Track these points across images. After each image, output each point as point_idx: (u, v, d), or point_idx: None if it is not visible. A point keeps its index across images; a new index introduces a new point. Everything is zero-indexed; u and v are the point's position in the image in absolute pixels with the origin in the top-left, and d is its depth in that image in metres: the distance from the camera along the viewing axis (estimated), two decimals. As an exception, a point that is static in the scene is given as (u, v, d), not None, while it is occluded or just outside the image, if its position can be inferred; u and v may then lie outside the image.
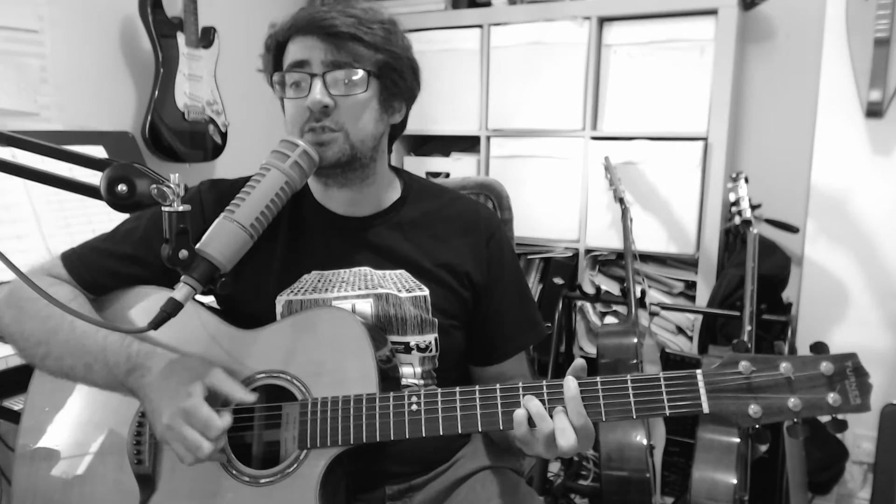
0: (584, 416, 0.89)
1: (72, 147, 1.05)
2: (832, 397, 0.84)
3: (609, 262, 2.74)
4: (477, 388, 0.95)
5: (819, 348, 0.87)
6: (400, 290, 1.10)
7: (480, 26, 2.77)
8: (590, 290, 2.64)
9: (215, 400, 0.96)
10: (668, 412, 0.88)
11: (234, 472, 1.00)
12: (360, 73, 1.03)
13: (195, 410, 0.93)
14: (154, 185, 0.89)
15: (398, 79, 1.07)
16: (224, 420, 0.94)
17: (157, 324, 0.87)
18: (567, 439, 0.87)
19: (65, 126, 2.09)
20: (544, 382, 0.92)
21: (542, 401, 0.90)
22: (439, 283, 1.11)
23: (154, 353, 1.00)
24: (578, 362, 0.93)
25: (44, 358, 1.04)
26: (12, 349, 1.07)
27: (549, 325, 2.40)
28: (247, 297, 1.11)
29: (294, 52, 1.05)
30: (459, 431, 0.94)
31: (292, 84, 1.05)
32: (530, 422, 0.89)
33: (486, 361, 1.18)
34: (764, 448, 1.99)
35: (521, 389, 0.92)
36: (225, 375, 0.98)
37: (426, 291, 1.10)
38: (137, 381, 0.98)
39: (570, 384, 0.90)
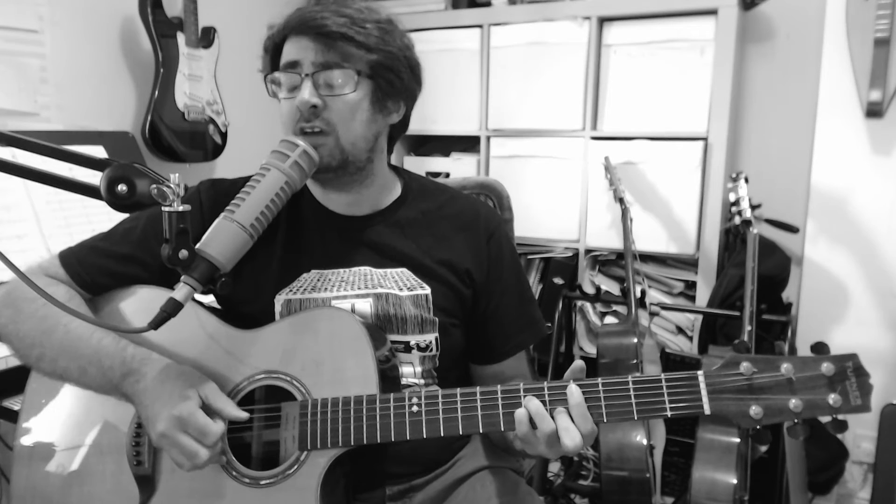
0: (591, 422, 0.89)
1: (72, 147, 1.04)
2: (833, 398, 0.84)
3: (609, 262, 2.74)
4: (478, 389, 0.94)
5: (820, 349, 0.87)
6: (401, 289, 1.10)
7: (480, 26, 2.76)
8: (590, 290, 2.64)
9: (207, 412, 0.96)
10: (669, 413, 0.88)
11: (234, 473, 1.00)
12: (349, 73, 1.02)
13: (191, 418, 0.93)
14: (154, 185, 0.89)
15: (394, 79, 1.07)
16: (219, 425, 0.94)
17: (157, 324, 0.87)
18: (572, 439, 0.88)
19: (65, 126, 2.09)
20: (545, 384, 0.92)
21: (543, 401, 0.90)
22: (440, 282, 1.11)
23: (149, 358, 1.00)
24: (577, 364, 0.93)
25: (39, 359, 1.04)
26: (8, 350, 1.07)
27: (549, 325, 2.40)
28: (246, 296, 1.11)
29: (287, 52, 1.05)
30: (461, 433, 0.94)
31: (286, 85, 1.05)
32: (532, 422, 0.90)
33: (485, 360, 1.18)
34: (764, 448, 1.99)
35: (521, 390, 0.92)
36: (217, 390, 0.99)
37: (427, 290, 1.10)
38: (132, 387, 0.98)
39: (574, 391, 0.90)
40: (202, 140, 2.36)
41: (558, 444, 0.89)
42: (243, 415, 0.98)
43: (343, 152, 1.04)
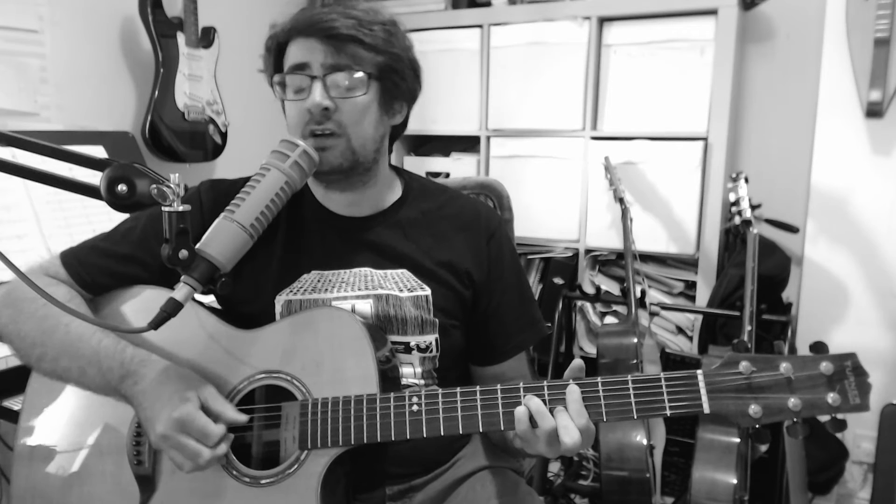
0: (586, 417, 0.89)
1: (72, 147, 1.05)
2: (832, 397, 0.84)
3: (609, 262, 2.74)
4: (478, 388, 0.95)
5: (819, 348, 0.87)
6: (401, 290, 1.10)
7: (480, 26, 2.76)
8: (590, 290, 2.64)
9: (207, 414, 0.96)
10: (668, 412, 0.88)
11: (234, 472, 1.00)
12: (361, 75, 1.03)
13: (191, 419, 0.93)
14: (154, 185, 0.89)
15: (399, 80, 1.07)
16: (220, 427, 0.94)
17: (157, 324, 0.87)
18: (571, 437, 0.88)
19: (65, 126, 2.09)
20: (545, 383, 0.92)
21: (543, 400, 0.90)
22: (440, 283, 1.11)
23: (148, 360, 1.00)
24: (577, 363, 0.93)
25: (39, 359, 1.04)
26: (9, 350, 1.07)
27: (549, 325, 2.40)
28: (246, 297, 1.11)
29: (294, 54, 1.05)
30: (461, 432, 0.94)
31: (293, 86, 1.05)
32: (532, 420, 0.90)
33: (486, 361, 1.18)
34: (764, 448, 1.99)
35: (521, 390, 0.92)
36: (216, 393, 0.99)
37: (428, 291, 1.10)
38: (130, 389, 0.98)
39: (573, 389, 0.90)
40: (202, 140, 2.36)
41: (558, 443, 0.89)
42: (242, 418, 0.98)
43: (354, 153, 1.05)
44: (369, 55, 1.03)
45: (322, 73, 1.02)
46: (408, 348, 1.10)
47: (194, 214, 1.00)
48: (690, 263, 2.60)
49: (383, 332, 1.08)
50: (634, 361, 1.90)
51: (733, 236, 2.49)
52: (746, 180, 2.14)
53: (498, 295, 1.15)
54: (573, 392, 0.90)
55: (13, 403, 1.32)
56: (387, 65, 1.05)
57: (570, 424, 0.88)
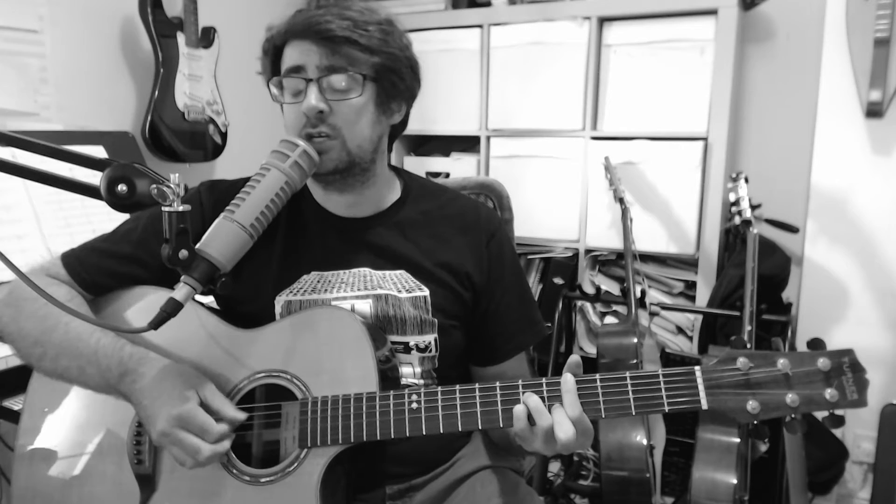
0: (580, 409, 0.89)
1: (72, 147, 1.05)
2: (829, 393, 0.85)
3: (609, 262, 2.74)
4: (477, 385, 0.95)
5: (816, 344, 0.88)
6: (400, 291, 1.10)
7: (480, 26, 2.77)
8: (590, 290, 2.64)
9: (207, 411, 0.96)
10: (667, 409, 0.88)
11: (234, 471, 1.00)
12: (355, 77, 1.02)
13: (191, 415, 0.93)
14: (154, 185, 0.90)
15: (396, 80, 1.07)
16: (222, 426, 0.94)
17: (157, 324, 0.88)
18: (565, 432, 0.88)
19: (65, 126, 2.09)
20: (544, 380, 0.92)
21: (542, 398, 0.91)
22: (439, 284, 1.11)
23: (147, 358, 1.00)
24: (574, 359, 0.93)
25: (40, 358, 1.04)
26: (10, 349, 1.07)
27: (549, 325, 2.40)
28: (246, 297, 1.11)
29: (290, 56, 1.05)
30: (460, 429, 0.94)
31: (290, 89, 1.05)
32: (529, 418, 0.90)
33: (486, 361, 1.18)
34: (764, 447, 1.99)
35: (520, 387, 0.93)
36: (215, 390, 0.99)
37: (426, 292, 1.10)
38: (129, 387, 0.99)
39: (567, 378, 0.90)
40: (202, 140, 2.36)
41: (554, 441, 0.89)
42: (241, 416, 0.98)
43: (350, 155, 1.05)
44: (364, 56, 1.03)
45: (317, 75, 1.02)
46: (407, 348, 1.10)
47: (194, 214, 1.00)
48: (690, 263, 2.60)
49: (383, 332, 1.09)
50: (634, 361, 1.90)
51: (733, 236, 2.49)
52: (746, 180, 2.14)
53: (498, 296, 1.16)
54: (568, 382, 0.90)
55: (13, 403, 1.32)
56: (383, 65, 1.04)
57: (564, 420, 0.88)
